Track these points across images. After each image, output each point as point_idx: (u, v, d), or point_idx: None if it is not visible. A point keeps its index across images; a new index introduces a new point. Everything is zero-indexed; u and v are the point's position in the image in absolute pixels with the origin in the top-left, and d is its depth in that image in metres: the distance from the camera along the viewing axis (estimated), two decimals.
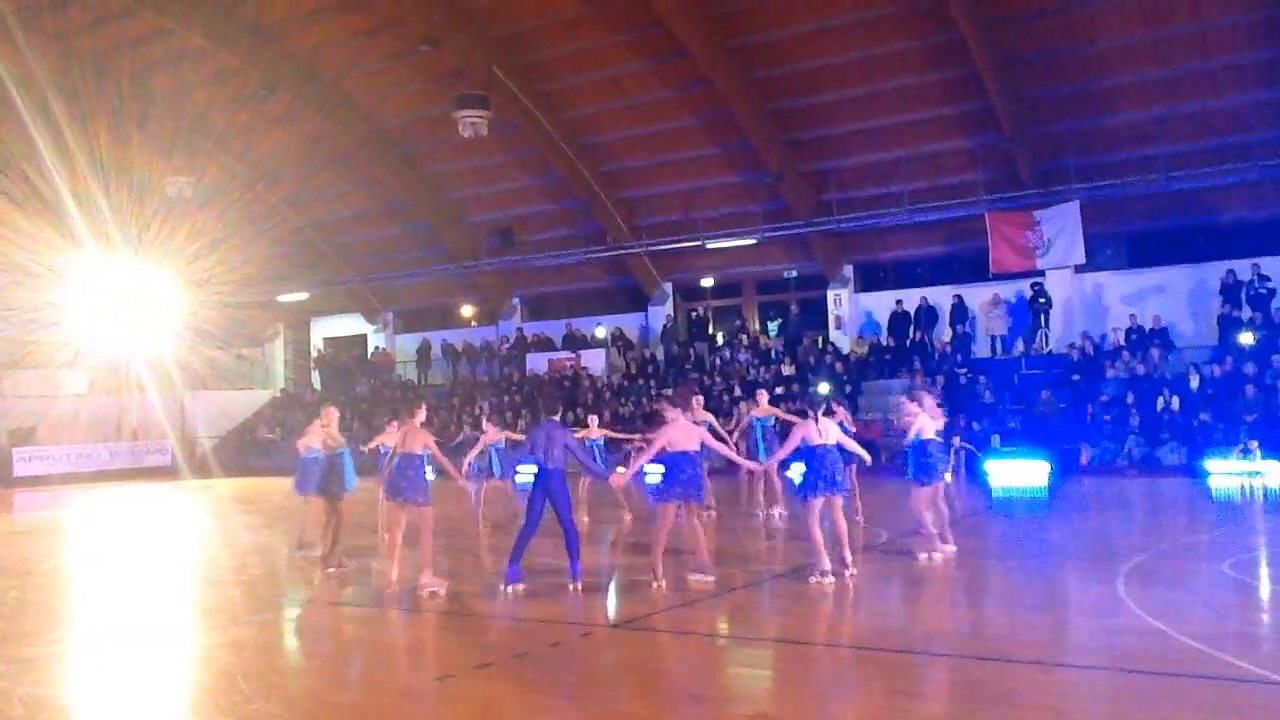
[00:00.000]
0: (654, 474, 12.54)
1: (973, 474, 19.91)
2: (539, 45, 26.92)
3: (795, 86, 25.58)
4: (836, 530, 10.02)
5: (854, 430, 13.75)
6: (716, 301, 32.07)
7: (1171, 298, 24.37)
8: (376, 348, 36.85)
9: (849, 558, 10.03)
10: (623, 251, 30.04)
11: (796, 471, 11.92)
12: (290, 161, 32.02)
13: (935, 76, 24.18)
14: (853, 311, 28.53)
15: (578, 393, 29.02)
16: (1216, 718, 6.06)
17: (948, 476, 11.54)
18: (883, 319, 27.64)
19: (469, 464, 14.85)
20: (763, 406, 15.61)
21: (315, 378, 37.75)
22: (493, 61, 26.81)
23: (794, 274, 30.08)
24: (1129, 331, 23.69)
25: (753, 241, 27.87)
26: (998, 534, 14.35)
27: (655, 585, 9.74)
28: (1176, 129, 22.86)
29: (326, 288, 35.81)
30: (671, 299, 31.53)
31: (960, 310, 26.08)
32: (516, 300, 34.54)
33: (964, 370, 24.74)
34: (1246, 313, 22.64)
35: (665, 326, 30.87)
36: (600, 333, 32.22)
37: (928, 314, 26.62)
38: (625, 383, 29.50)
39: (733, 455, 11.17)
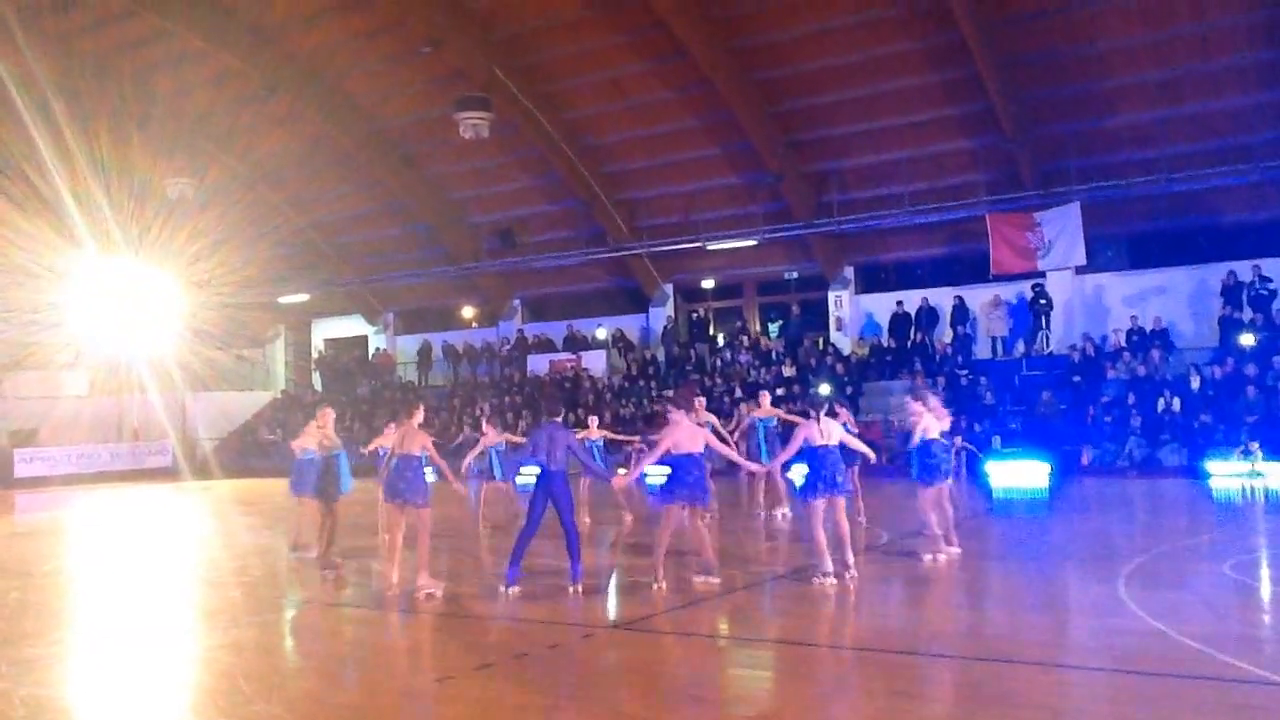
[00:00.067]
0: (655, 475, 12.53)
1: (974, 475, 19.91)
2: (540, 46, 26.93)
3: (796, 88, 25.59)
4: (839, 531, 9.99)
5: (857, 432, 13.74)
6: (717, 303, 32.07)
7: (1172, 299, 24.37)
8: (377, 349, 36.87)
9: (851, 559, 10.02)
10: (623, 253, 30.04)
11: (798, 473, 11.92)
12: (291, 163, 32.06)
13: (936, 78, 24.18)
14: (853, 313, 28.54)
15: (578, 394, 29.02)
16: (1216, 718, 6.06)
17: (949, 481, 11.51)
18: (883, 320, 27.64)
19: (468, 465, 14.88)
20: (765, 408, 15.61)
21: (316, 379, 37.77)
22: (494, 63, 26.82)
23: (795, 275, 30.09)
24: (1130, 333, 23.69)
25: (753, 243, 27.88)
26: (999, 535, 14.35)
27: (656, 587, 9.73)
28: (1177, 130, 22.86)
29: (327, 289, 35.83)
30: (672, 300, 31.53)
31: (961, 311, 26.08)
32: (517, 301, 34.55)
33: (965, 371, 24.75)
34: (1247, 314, 22.64)
35: (666, 328, 30.88)
36: (601, 334, 32.23)
37: (928, 315, 26.62)
38: (626, 384, 29.51)
39: (735, 457, 11.16)
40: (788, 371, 26.81)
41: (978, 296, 26.25)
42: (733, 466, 12.29)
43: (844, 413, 13.04)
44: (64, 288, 27.67)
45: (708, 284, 31.18)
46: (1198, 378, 21.62)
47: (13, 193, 24.93)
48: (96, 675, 7.84)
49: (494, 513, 15.14)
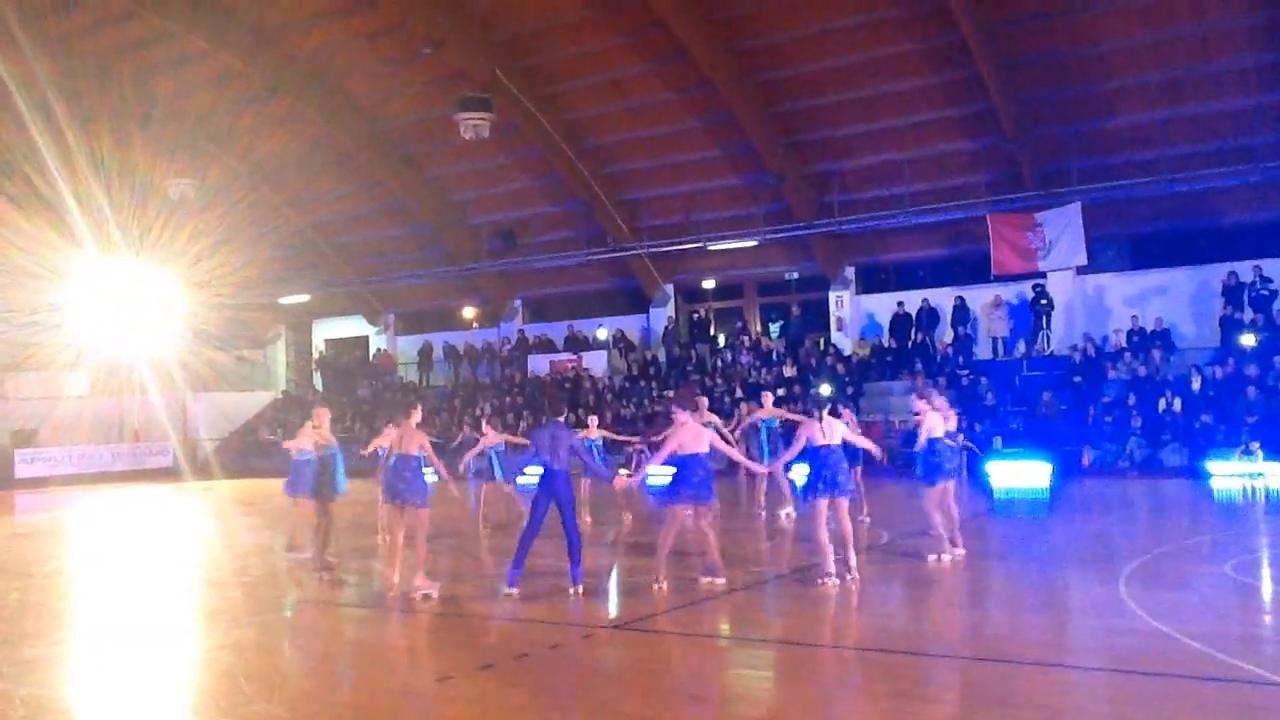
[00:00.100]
0: (657, 476, 12.53)
1: (975, 475, 19.90)
2: (541, 47, 26.93)
3: (797, 88, 25.59)
4: (841, 532, 9.96)
5: (859, 432, 13.74)
6: (718, 303, 32.07)
7: (1173, 299, 24.36)
8: (378, 349, 36.87)
9: (853, 561, 10.00)
10: (624, 253, 30.04)
11: (799, 473, 11.92)
12: (292, 163, 32.06)
13: (937, 79, 24.18)
14: (854, 313, 28.52)
15: (579, 394, 29.01)
16: (1217, 718, 6.06)
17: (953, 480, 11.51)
18: (884, 321, 27.63)
19: (466, 464, 14.88)
20: (767, 408, 15.61)
21: (317, 379, 37.77)
22: (495, 64, 26.80)
23: (795, 276, 30.07)
24: (1131, 333, 23.68)
25: (754, 243, 27.87)
26: (1000, 535, 14.35)
27: (656, 587, 9.73)
28: (1178, 131, 22.84)
29: (328, 289, 35.84)
30: (673, 301, 31.52)
31: (962, 312, 26.07)
32: (518, 302, 34.55)
33: (965, 372, 24.74)
34: (1248, 314, 22.63)
35: (667, 328, 30.87)
36: (602, 334, 32.23)
37: (929, 316, 26.61)
38: (627, 384, 29.51)
39: (739, 457, 11.16)
40: (788, 372, 26.80)
41: (978, 297, 26.24)
42: (733, 466, 12.30)
43: (846, 414, 13.03)
44: (65, 288, 27.69)
45: (708, 284, 31.17)
46: (1199, 378, 21.61)
47: (13, 193, 24.97)
48: (97, 676, 7.84)
49: (494, 513, 15.15)
